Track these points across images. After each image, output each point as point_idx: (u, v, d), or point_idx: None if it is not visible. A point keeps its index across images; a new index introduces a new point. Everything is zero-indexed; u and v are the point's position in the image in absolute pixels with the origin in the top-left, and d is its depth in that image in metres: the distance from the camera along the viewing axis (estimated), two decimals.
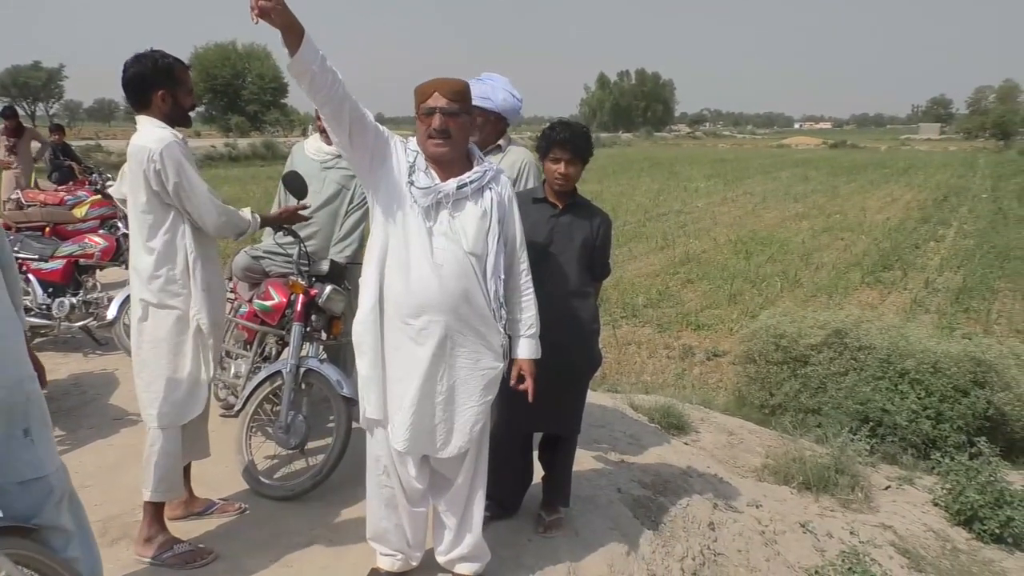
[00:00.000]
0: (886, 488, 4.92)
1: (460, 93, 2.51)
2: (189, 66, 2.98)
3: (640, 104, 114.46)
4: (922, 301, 11.64)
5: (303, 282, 3.69)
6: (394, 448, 2.63)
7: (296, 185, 3.66)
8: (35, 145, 9.93)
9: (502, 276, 2.61)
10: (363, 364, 2.64)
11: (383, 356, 2.60)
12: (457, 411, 2.60)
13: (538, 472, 3.45)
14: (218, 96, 58.10)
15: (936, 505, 4.76)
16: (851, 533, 4.09)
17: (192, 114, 3.01)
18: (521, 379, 2.71)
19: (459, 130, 2.52)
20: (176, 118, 2.89)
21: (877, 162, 45.09)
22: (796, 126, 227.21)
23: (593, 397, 5.03)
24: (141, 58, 2.82)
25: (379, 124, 2.58)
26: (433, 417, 2.58)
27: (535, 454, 3.47)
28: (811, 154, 58.89)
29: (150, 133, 2.79)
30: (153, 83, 2.81)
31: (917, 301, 11.59)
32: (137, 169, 2.77)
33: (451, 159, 2.55)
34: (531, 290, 2.72)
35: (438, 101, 2.47)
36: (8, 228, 6.28)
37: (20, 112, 10.26)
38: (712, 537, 3.63)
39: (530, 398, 2.69)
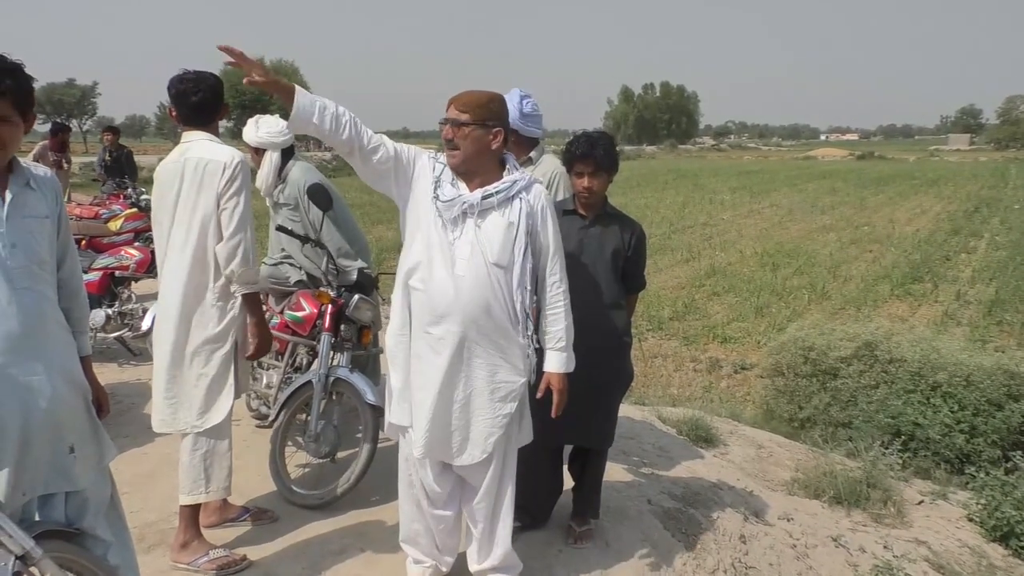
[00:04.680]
0: (919, 503, 4.84)
1: (470, 104, 2.52)
2: None
3: (664, 117, 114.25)
4: (953, 314, 11.47)
5: (331, 292, 3.74)
6: (412, 454, 2.68)
7: (320, 198, 3.71)
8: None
9: (528, 288, 2.59)
10: (395, 376, 2.70)
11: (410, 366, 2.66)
12: (472, 420, 2.61)
13: (568, 483, 3.45)
14: (246, 112, 58.64)
15: (971, 521, 4.67)
16: (884, 547, 4.03)
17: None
18: (550, 392, 2.69)
19: (467, 140, 2.53)
20: (216, 131, 3.00)
21: (905, 173, 44.58)
22: (822, 137, 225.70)
23: (622, 409, 5.00)
24: (205, 77, 2.93)
25: (401, 146, 2.63)
26: (449, 424, 2.61)
27: (565, 465, 3.48)
28: (838, 166, 58.38)
29: (216, 148, 2.89)
30: (222, 100, 2.95)
31: (948, 314, 11.42)
32: (209, 181, 2.84)
33: (465, 170, 2.58)
34: (562, 302, 2.68)
35: (449, 112, 2.53)
36: None
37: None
38: (743, 550, 3.60)
39: (553, 413, 2.68)
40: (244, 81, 2.35)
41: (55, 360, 2.12)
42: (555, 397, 2.68)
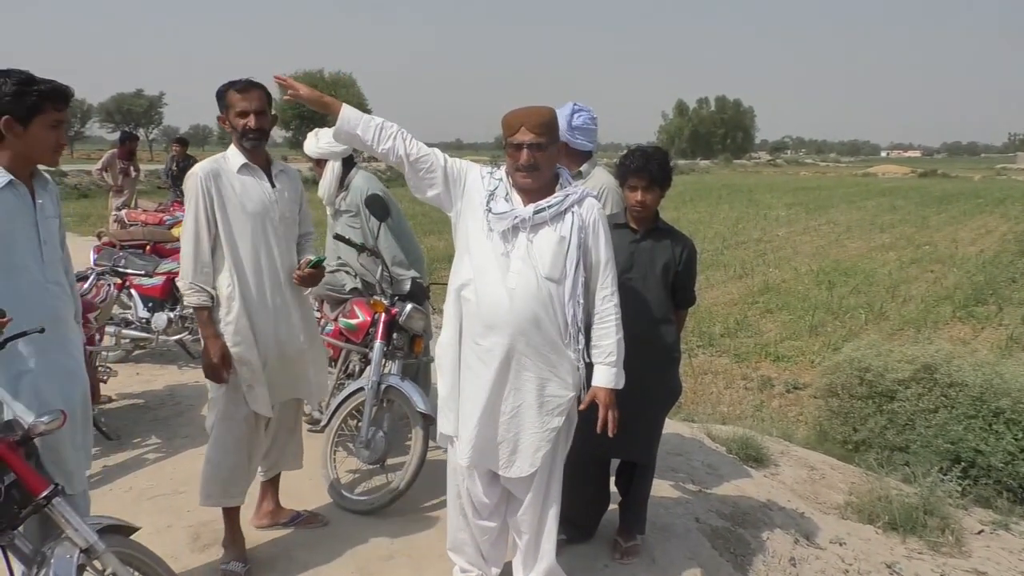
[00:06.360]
0: (979, 532, 4.68)
1: (545, 125, 2.54)
2: (245, 88, 2.89)
3: (719, 131, 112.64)
4: (1019, 338, 11.04)
5: (385, 301, 3.81)
6: (459, 462, 2.72)
7: (377, 208, 3.78)
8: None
9: (581, 301, 2.59)
10: (443, 384, 2.75)
11: (459, 376, 2.69)
12: (522, 433, 2.63)
13: (615, 498, 3.44)
14: (305, 122, 59.83)
15: None
16: None
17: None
18: (594, 405, 2.64)
19: (546, 161, 2.57)
20: (237, 139, 2.95)
21: (970, 192, 43.17)
22: (883, 154, 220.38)
23: (670, 426, 4.98)
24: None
25: (452, 160, 2.69)
26: (497, 435, 2.63)
27: (612, 479, 3.46)
28: (899, 183, 56.85)
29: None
30: (219, 107, 2.95)
31: (1014, 338, 11.00)
32: None
33: (536, 188, 2.61)
34: (612, 316, 2.64)
35: (525, 136, 2.52)
36: (112, 245, 6.66)
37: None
38: (793, 573, 3.54)
39: (599, 428, 2.63)
40: (284, 98, 2.75)
41: (77, 346, 2.34)
42: (601, 412, 2.62)
